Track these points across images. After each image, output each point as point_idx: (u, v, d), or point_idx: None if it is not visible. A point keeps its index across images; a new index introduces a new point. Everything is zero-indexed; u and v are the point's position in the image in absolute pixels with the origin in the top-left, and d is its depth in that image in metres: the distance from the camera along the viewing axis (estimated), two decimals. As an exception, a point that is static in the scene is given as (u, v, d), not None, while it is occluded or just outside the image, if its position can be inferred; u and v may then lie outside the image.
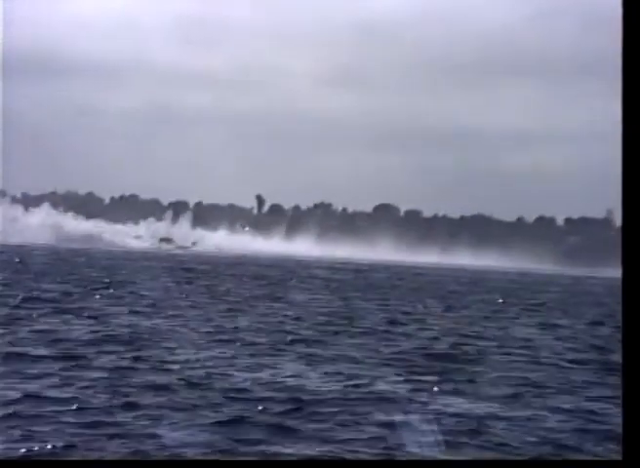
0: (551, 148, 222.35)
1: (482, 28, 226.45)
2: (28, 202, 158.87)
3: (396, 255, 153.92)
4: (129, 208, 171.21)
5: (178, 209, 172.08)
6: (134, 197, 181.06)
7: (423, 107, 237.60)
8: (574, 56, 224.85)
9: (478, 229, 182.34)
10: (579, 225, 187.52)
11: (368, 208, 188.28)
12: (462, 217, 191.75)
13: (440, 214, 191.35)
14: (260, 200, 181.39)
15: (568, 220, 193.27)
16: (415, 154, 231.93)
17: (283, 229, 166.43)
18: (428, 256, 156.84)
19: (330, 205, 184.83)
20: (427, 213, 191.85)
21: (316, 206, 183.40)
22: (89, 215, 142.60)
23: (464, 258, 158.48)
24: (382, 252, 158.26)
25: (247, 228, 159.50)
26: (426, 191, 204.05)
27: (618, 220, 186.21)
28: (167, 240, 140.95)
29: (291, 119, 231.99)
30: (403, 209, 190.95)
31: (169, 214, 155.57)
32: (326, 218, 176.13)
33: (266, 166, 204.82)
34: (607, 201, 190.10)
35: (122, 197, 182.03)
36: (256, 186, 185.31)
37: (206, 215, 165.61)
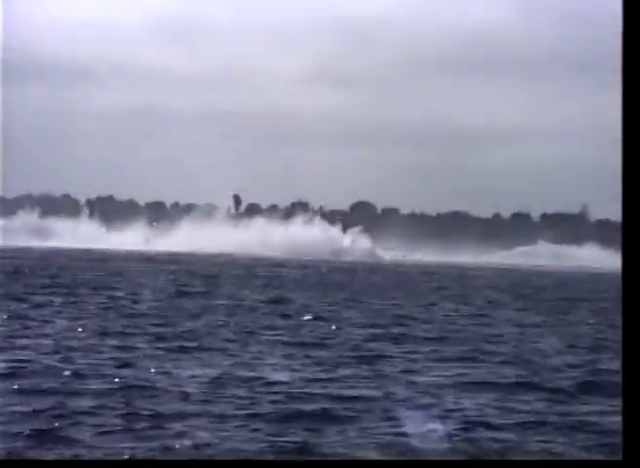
0: (531, 145, 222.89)
1: (465, 26, 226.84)
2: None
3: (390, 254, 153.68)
4: (107, 209, 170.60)
5: (155, 209, 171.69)
6: (110, 198, 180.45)
7: (403, 105, 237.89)
8: (558, 52, 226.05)
9: (458, 226, 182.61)
10: (555, 220, 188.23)
11: (345, 206, 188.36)
12: (439, 215, 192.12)
13: (417, 211, 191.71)
14: (237, 199, 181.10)
15: (544, 216, 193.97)
16: (392, 151, 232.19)
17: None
18: (425, 255, 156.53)
19: (307, 204, 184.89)
20: (404, 210, 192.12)
21: (293, 204, 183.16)
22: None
23: (460, 256, 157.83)
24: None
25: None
26: (403, 189, 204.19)
27: (591, 214, 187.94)
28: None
29: (270, 117, 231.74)
30: (380, 207, 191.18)
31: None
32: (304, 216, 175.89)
33: (243, 165, 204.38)
34: (583, 196, 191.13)
35: (99, 198, 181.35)
36: (233, 185, 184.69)
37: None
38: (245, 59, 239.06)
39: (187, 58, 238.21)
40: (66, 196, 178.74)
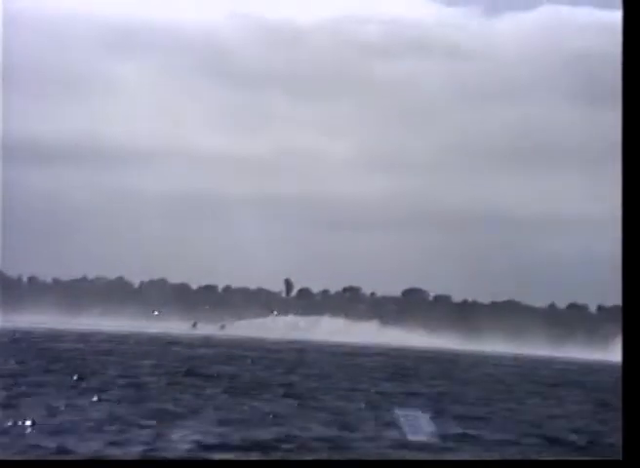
0: (585, 233, 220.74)
1: (520, 113, 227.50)
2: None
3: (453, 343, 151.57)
4: (158, 292, 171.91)
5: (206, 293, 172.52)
6: (162, 281, 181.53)
7: (457, 191, 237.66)
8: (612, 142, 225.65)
9: (510, 316, 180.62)
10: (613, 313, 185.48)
11: (397, 292, 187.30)
12: (494, 303, 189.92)
13: (470, 299, 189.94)
14: (289, 284, 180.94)
15: (600, 308, 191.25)
16: (446, 238, 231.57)
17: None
18: (467, 344, 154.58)
19: (359, 289, 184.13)
20: (457, 298, 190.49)
21: (345, 290, 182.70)
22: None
23: (502, 346, 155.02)
24: (439, 339, 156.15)
25: (275, 312, 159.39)
26: (457, 276, 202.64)
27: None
28: None
29: (323, 203, 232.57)
30: (432, 293, 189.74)
31: None
32: (354, 303, 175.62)
33: (296, 250, 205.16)
34: None
35: (151, 281, 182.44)
36: (285, 270, 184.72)
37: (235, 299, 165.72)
38: (297, 145, 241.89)
39: (242, 143, 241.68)
40: (120, 278, 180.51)
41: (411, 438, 12.08)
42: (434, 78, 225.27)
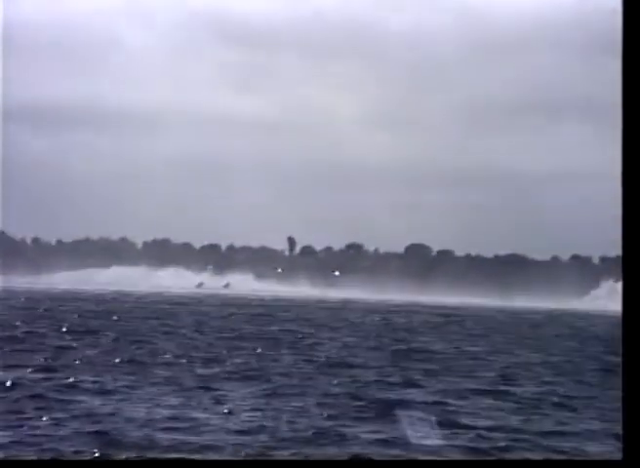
0: (589, 188, 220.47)
1: (529, 69, 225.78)
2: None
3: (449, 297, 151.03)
4: (162, 252, 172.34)
5: (209, 252, 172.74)
6: (166, 241, 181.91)
7: (461, 148, 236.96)
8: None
9: (514, 269, 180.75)
10: (616, 264, 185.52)
11: (400, 248, 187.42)
12: (497, 257, 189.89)
13: (473, 253, 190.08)
14: (292, 242, 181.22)
15: (604, 259, 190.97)
16: (447, 194, 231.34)
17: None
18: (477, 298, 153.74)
19: (361, 246, 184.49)
20: (459, 252, 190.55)
21: (348, 247, 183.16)
22: None
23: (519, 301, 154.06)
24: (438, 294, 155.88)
25: (279, 270, 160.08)
26: (458, 231, 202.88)
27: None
28: None
29: (329, 162, 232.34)
30: (435, 249, 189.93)
31: None
32: (358, 259, 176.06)
33: (300, 211, 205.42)
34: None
35: (154, 241, 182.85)
36: (288, 230, 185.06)
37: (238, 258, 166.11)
38: (302, 104, 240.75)
39: (245, 103, 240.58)
40: (123, 240, 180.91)
41: (413, 441, 12.16)
42: (445, 34, 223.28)
